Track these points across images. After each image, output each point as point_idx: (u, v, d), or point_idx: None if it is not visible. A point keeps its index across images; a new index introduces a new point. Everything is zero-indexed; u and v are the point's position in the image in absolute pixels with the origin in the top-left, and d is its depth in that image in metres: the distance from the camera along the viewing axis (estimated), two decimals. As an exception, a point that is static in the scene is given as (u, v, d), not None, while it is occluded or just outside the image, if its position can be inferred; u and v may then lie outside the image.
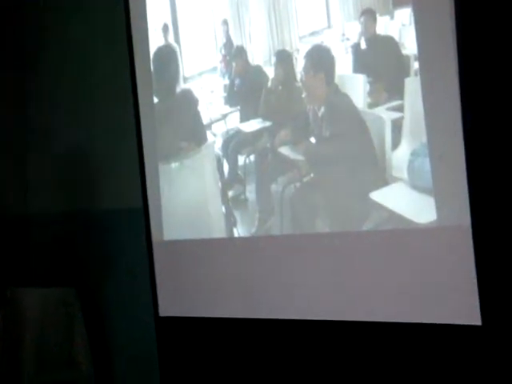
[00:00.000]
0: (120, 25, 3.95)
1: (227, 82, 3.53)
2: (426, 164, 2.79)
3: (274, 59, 3.31)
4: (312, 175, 3.21)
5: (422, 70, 2.80)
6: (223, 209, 3.56)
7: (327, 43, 3.11)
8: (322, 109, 3.15)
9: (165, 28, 3.75)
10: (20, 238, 4.69)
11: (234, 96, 3.51)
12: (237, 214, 3.52)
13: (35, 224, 4.68)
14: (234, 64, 3.48)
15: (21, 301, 4.25)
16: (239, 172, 3.51)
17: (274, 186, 3.35)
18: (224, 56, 3.52)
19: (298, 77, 3.22)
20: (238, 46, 3.45)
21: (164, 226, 3.79)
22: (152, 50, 3.80)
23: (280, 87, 3.31)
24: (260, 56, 3.37)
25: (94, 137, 4.37)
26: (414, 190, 2.86)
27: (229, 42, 3.48)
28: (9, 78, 4.77)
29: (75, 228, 4.46)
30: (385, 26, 2.93)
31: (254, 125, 3.43)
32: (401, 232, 2.90)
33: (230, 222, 3.54)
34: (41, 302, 4.22)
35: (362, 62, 3.01)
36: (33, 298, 4.24)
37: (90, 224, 4.39)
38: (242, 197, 3.49)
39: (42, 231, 4.63)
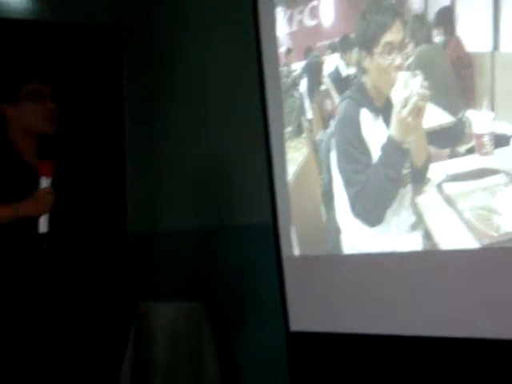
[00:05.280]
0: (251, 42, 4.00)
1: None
2: None
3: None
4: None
5: None
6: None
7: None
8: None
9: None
10: (151, 253, 4.75)
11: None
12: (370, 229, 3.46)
13: (165, 240, 4.74)
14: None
15: (153, 315, 4.31)
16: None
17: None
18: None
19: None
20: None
21: (293, 240, 3.78)
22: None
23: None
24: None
25: (223, 153, 4.41)
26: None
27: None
28: (138, 96, 4.90)
29: (204, 243, 4.49)
30: None
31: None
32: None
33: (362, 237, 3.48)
34: (172, 316, 4.26)
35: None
36: (164, 312, 4.28)
37: (219, 239, 4.41)
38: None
39: (172, 247, 4.68)
